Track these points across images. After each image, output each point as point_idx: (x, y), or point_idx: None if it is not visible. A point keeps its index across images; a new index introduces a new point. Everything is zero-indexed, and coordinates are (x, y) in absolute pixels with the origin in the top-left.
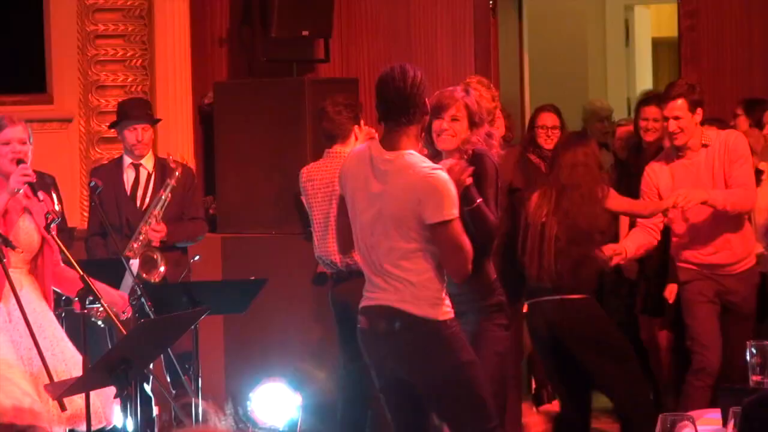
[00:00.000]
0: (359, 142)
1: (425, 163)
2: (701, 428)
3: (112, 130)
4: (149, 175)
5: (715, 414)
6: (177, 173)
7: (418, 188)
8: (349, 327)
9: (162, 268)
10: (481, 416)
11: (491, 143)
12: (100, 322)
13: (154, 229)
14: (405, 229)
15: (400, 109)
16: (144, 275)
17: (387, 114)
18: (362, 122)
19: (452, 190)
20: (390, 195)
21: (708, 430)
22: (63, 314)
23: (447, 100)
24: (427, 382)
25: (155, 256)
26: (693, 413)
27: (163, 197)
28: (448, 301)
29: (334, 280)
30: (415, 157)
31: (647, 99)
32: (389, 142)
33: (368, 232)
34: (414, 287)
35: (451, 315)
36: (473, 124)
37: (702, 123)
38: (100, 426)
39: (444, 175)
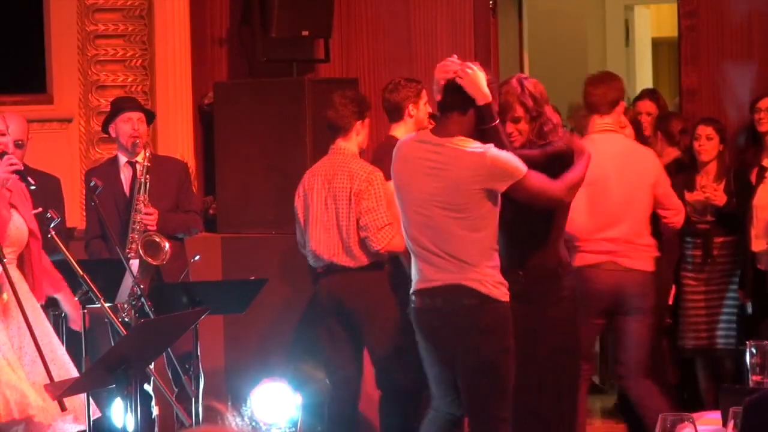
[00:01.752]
0: (360, 138)
1: (474, 144)
2: (701, 428)
3: (105, 133)
4: (143, 172)
5: (715, 414)
6: (148, 153)
7: (476, 169)
8: (347, 322)
9: (167, 246)
10: (503, 405)
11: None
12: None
13: (147, 213)
14: (461, 210)
15: (453, 96)
16: (150, 260)
17: (442, 101)
18: (367, 120)
19: (507, 156)
20: (443, 180)
21: (708, 430)
22: (63, 315)
23: (505, 98)
24: (473, 362)
25: (157, 239)
26: (693, 414)
27: (142, 180)
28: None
29: (323, 274)
30: (462, 141)
31: (641, 94)
32: (441, 129)
33: (425, 216)
34: (475, 266)
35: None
36: (533, 118)
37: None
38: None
39: (494, 150)
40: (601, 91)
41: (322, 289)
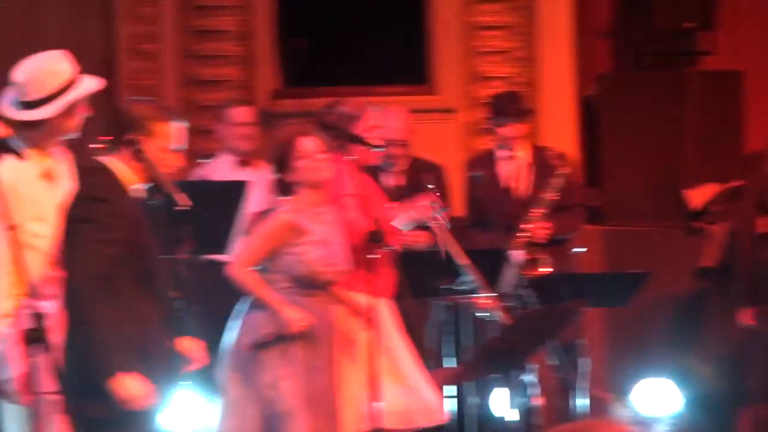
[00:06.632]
0: None
1: None
2: None
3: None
4: (528, 166)
5: None
6: (561, 172)
7: None
8: None
9: (542, 269)
10: None
11: None
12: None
13: (541, 227)
14: None
15: None
16: (523, 273)
17: None
18: None
19: None
20: None
21: None
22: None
23: None
24: None
25: (539, 257)
26: None
27: (547, 198)
28: None
29: None
30: None
31: None
32: None
33: None
34: None
35: None
36: None
37: None
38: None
39: None
40: None
41: None
